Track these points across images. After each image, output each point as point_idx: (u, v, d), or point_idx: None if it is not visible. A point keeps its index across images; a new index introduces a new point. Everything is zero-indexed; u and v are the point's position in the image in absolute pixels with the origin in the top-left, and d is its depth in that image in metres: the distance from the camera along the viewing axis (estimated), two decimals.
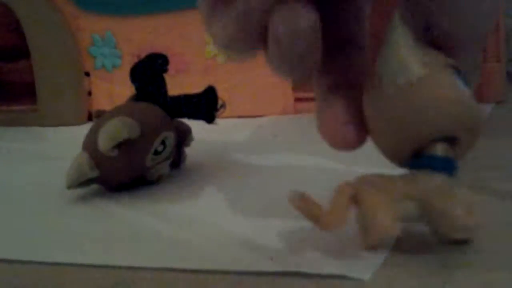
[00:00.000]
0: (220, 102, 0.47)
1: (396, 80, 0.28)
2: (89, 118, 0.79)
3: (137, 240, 0.34)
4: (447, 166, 0.28)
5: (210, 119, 0.47)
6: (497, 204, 0.36)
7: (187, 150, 0.49)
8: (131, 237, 0.34)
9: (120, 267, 0.30)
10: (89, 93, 0.79)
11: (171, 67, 0.49)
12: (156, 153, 0.43)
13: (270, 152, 0.52)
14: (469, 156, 0.44)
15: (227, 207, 0.38)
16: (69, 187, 0.41)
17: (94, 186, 0.43)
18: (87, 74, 0.78)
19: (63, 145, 0.62)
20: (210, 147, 0.54)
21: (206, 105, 0.47)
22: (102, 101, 0.78)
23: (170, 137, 0.44)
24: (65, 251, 0.33)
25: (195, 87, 0.48)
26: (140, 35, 0.75)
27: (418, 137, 0.28)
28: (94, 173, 0.42)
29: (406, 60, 0.27)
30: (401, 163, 0.30)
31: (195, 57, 0.73)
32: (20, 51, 0.96)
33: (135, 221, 0.37)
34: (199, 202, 0.40)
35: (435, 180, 0.28)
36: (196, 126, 0.49)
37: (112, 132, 0.41)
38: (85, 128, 0.73)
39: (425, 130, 0.28)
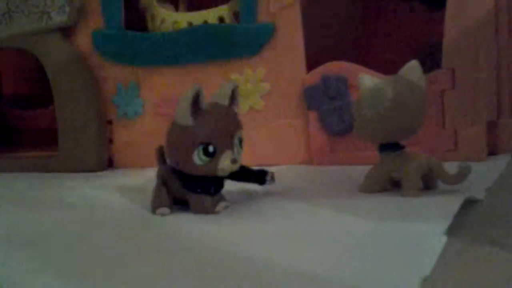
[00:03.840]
0: (270, 174, 0.56)
1: None
2: (110, 164, 0.81)
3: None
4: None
5: (261, 182, 0.56)
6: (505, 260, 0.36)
7: None
8: None
9: None
10: (110, 141, 0.81)
11: None
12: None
13: (284, 201, 0.54)
14: (481, 212, 0.46)
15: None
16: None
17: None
18: (110, 122, 0.80)
19: (86, 192, 0.64)
20: (228, 194, 0.55)
21: (258, 172, 0.56)
22: (123, 148, 0.80)
23: None
24: None
25: None
26: (164, 86, 0.77)
27: None
28: None
29: None
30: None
31: None
32: (37, 99, 0.98)
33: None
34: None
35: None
36: None
37: None
38: (106, 175, 0.75)
39: None
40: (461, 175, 0.50)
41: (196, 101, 0.49)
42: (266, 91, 0.73)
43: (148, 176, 0.55)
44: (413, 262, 0.35)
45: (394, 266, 0.34)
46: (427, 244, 0.38)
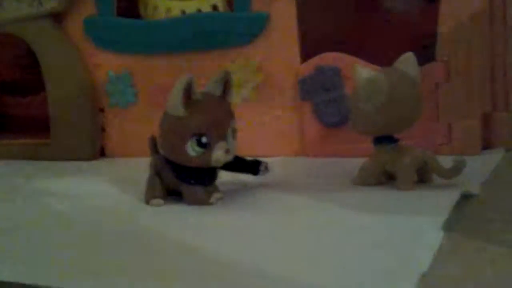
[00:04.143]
0: (264, 164, 0.56)
1: None
2: (102, 153, 0.80)
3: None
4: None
5: (255, 172, 0.56)
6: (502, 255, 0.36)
7: None
8: None
9: None
10: (103, 129, 0.80)
11: None
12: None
13: (278, 193, 0.54)
14: (476, 207, 0.46)
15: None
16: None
17: None
18: (102, 110, 0.79)
19: (77, 181, 0.63)
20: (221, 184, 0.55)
21: (252, 163, 0.56)
22: (115, 137, 0.80)
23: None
24: None
25: None
26: (157, 74, 0.76)
27: None
28: None
29: None
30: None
31: None
32: (27, 86, 0.97)
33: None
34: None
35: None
36: None
37: None
38: (98, 164, 0.74)
39: None
40: (456, 169, 0.50)
41: (188, 91, 0.48)
42: (259, 81, 0.73)
43: (141, 166, 0.54)
44: (411, 257, 0.35)
45: (392, 261, 0.34)
46: (424, 239, 0.38)
